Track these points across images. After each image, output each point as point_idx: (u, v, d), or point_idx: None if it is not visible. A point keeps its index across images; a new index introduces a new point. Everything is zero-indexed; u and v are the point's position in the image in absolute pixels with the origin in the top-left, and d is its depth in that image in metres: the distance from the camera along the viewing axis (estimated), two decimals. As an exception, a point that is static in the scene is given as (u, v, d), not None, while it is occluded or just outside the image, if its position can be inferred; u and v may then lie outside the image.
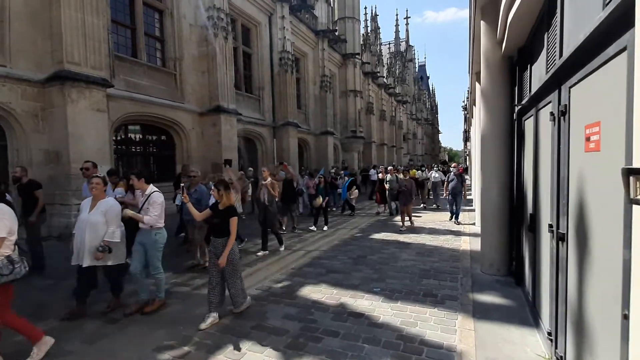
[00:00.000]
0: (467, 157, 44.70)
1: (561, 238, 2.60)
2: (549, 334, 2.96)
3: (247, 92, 16.27)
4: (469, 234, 7.94)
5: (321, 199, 8.64)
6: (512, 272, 5.10)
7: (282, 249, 7.01)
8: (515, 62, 4.88)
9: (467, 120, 47.44)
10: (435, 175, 13.83)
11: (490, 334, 3.46)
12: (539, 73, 3.61)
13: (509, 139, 5.08)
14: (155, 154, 12.10)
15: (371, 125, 29.24)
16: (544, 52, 3.36)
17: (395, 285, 4.83)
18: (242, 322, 3.82)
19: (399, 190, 9.07)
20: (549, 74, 2.97)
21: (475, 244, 6.96)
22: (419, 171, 15.33)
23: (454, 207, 9.51)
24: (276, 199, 7.23)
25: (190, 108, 12.59)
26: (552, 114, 2.87)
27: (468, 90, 24.50)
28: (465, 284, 4.79)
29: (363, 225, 9.58)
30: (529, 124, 4.21)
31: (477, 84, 8.53)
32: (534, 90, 3.62)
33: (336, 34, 23.58)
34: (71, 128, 8.23)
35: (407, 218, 8.90)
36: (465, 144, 50.77)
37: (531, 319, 3.71)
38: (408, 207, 8.85)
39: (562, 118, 2.59)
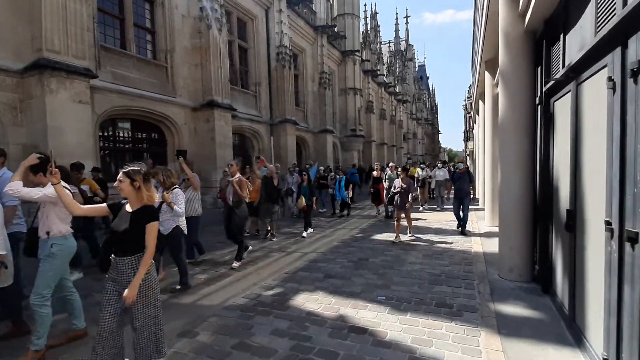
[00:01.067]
0: (468, 157, 44.06)
1: (633, 239, 1.95)
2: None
3: (243, 87, 15.64)
4: (480, 234, 7.30)
5: (304, 200, 7.32)
6: (535, 278, 4.46)
7: (235, 265, 5.37)
8: (540, 36, 4.25)
9: (468, 120, 46.81)
10: (439, 174, 11.94)
11: (523, 355, 2.81)
12: (579, 39, 2.98)
13: (531, 125, 4.45)
14: (147, 151, 11.45)
15: (371, 124, 28.60)
16: (589, 13, 2.73)
17: (403, 293, 4.17)
18: (223, 338, 3.17)
19: (393, 192, 7.23)
20: (602, 32, 2.33)
21: (488, 246, 6.31)
22: (419, 169, 13.67)
23: (461, 213, 7.68)
24: (246, 199, 5.72)
25: (183, 102, 11.95)
26: (611, 79, 2.23)
27: (471, 87, 23.86)
28: (483, 292, 4.14)
29: (363, 225, 8.92)
30: (561, 105, 3.57)
31: (486, 73, 7.91)
32: (573, 60, 2.98)
33: (335, 30, 22.95)
34: (50, 120, 7.58)
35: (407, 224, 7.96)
36: (466, 144, 50.18)
37: (570, 336, 3.05)
38: (405, 212, 7.07)
39: (634, 79, 1.95)
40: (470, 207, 11.21)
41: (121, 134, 10.72)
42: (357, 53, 24.01)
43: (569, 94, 3.25)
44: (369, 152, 28.47)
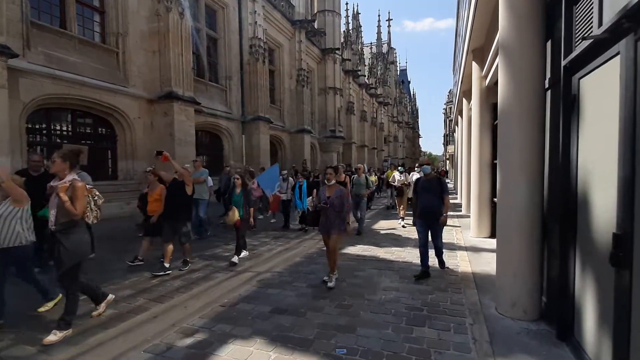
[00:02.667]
0: (448, 162, 43.83)
1: None
2: None
3: (211, 81, 14.23)
4: (466, 248, 6.23)
5: (237, 212, 5.15)
6: (543, 314, 3.38)
7: (52, 338, 2.96)
8: (555, -2, 3.18)
9: (448, 124, 46.69)
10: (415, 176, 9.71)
11: None
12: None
13: (540, 116, 3.37)
14: (90, 148, 9.89)
15: (351, 126, 27.62)
16: None
17: (372, 342, 2.98)
18: None
19: (316, 206, 4.68)
20: None
21: (477, 263, 5.24)
22: (397, 172, 10.56)
23: (437, 241, 4.79)
24: (91, 219, 3.32)
25: (136, 93, 10.47)
26: None
27: (451, 91, 23.14)
28: (480, 339, 3.00)
29: None
30: (594, 82, 2.49)
31: (474, 65, 6.91)
32: (631, 2, 1.89)
33: (315, 26, 21.85)
34: (-55, 105, 6.06)
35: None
36: (445, 148, 50.11)
37: None
38: (331, 242, 4.42)
39: None
40: (453, 213, 10.08)
41: (59, 128, 9.16)
42: (337, 51, 22.96)
43: (612, 61, 2.17)
44: (349, 153, 27.48)
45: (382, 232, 7.88)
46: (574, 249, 2.80)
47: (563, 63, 2.90)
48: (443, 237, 4.93)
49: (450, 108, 36.08)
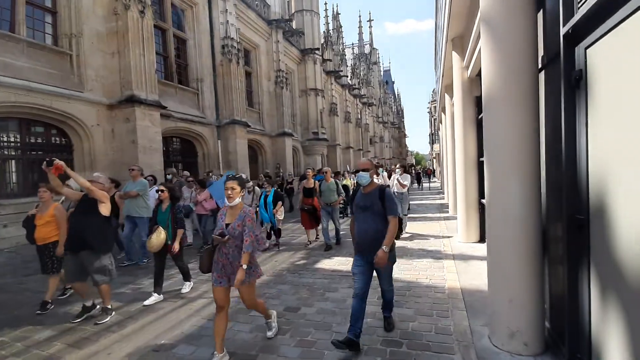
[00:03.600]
0: (435, 160, 43.71)
1: None
2: None
3: (181, 84, 13.40)
4: (454, 256, 5.60)
5: (163, 234, 3.99)
6: (548, 345, 2.74)
7: None
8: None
9: (434, 123, 46.67)
10: (404, 180, 7.45)
11: None
12: None
13: (533, 102, 2.75)
14: (45, 159, 8.94)
15: (335, 127, 27.01)
16: None
17: (334, 399, 2.29)
18: None
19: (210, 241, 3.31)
20: None
21: (467, 276, 4.59)
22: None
23: (385, 287, 3.28)
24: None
25: (94, 98, 9.59)
26: None
27: (434, 90, 22.80)
28: (472, 389, 2.34)
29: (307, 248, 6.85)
30: (605, 49, 1.86)
31: (454, 55, 6.35)
32: None
33: (293, 26, 21.23)
34: None
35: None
36: (432, 147, 50.08)
37: None
38: (243, 292, 2.90)
39: None
40: (440, 215, 9.50)
41: (4, 138, 8.22)
42: (317, 52, 22.36)
43: (635, 17, 1.54)
44: (334, 156, 26.86)
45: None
46: (588, 264, 2.16)
47: (562, 31, 2.26)
48: (434, 244, 4.29)
49: (435, 107, 35.93)
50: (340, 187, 6.48)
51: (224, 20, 14.32)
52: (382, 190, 3.04)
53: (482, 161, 5.84)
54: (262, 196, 6.55)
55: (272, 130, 18.67)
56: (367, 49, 42.80)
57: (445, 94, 9.99)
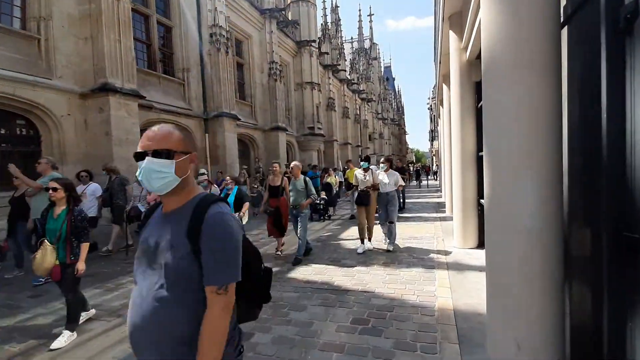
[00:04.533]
0: (434, 157, 42.82)
1: None
2: None
3: (166, 74, 12.59)
4: (447, 265, 4.81)
5: (50, 251, 2.95)
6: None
7: None
8: None
9: (434, 120, 45.69)
10: (384, 178, 5.82)
11: None
12: None
13: (555, 69, 1.95)
14: (10, 152, 8.20)
15: (332, 123, 26.16)
16: None
17: None
18: None
19: None
20: None
21: (462, 292, 3.81)
22: (359, 170, 6.16)
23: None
24: None
25: (64, 86, 8.80)
26: None
27: (435, 87, 21.77)
28: None
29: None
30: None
31: (451, 34, 5.51)
32: None
33: (288, 17, 20.33)
34: None
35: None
36: (431, 144, 49.17)
37: None
38: None
39: None
40: (437, 215, 8.82)
41: (-39, 128, 7.47)
42: (313, 44, 21.45)
43: None
44: (331, 152, 26.05)
45: (347, 244, 6.39)
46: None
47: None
48: (425, 251, 3.64)
49: (435, 104, 34.98)
50: (311, 186, 5.31)
51: (212, 7, 13.47)
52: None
53: (482, 156, 5.05)
54: (223, 196, 5.44)
55: (265, 124, 17.86)
56: (367, 44, 41.78)
57: (443, 85, 9.16)
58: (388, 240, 5.79)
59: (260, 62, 17.66)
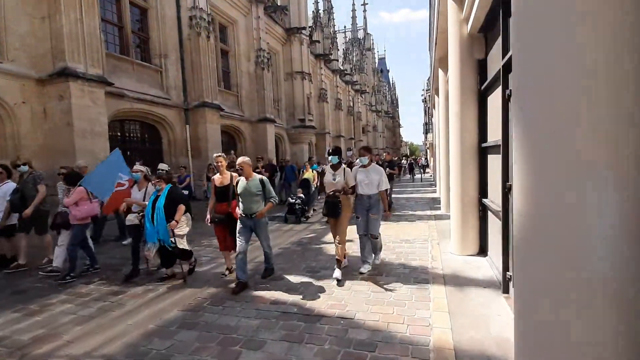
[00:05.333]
0: (428, 150, 42.06)
1: None
2: None
3: (142, 60, 11.55)
4: (444, 278, 4.00)
5: None
6: None
7: None
8: None
9: (428, 112, 44.81)
10: (364, 176, 4.18)
11: None
12: None
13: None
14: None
15: (324, 114, 25.20)
16: None
17: None
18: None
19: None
20: None
21: (464, 320, 2.96)
22: (326, 167, 4.59)
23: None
24: None
25: (16, 71, 7.80)
26: None
27: (430, 79, 20.70)
28: None
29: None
30: None
31: (450, 4, 4.62)
32: None
33: (277, 2, 19.19)
34: None
35: None
36: (425, 137, 48.41)
37: None
38: None
39: None
40: (431, 213, 8.01)
41: None
42: (304, 31, 20.36)
43: None
44: (323, 144, 25.08)
45: (330, 250, 5.32)
46: None
47: None
48: (413, 255, 2.78)
49: (430, 95, 34.06)
50: (269, 187, 4.00)
51: (191, -12, 12.37)
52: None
53: (485, 147, 4.17)
54: (151, 199, 4.12)
55: (253, 115, 16.86)
56: (360, 34, 40.55)
57: (439, 70, 8.29)
58: (366, 262, 4.16)
59: (246, 50, 16.59)
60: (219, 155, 4.32)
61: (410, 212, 8.77)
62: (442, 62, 7.76)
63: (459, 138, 4.55)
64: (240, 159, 4.00)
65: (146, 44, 11.95)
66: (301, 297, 3.63)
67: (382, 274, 4.15)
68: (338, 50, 29.78)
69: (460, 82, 4.46)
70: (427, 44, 16.32)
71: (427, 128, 42.75)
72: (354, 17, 38.78)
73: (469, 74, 4.44)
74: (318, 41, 24.15)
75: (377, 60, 56.38)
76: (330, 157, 4.18)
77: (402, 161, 27.24)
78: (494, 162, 3.93)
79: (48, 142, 8.25)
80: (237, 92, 16.27)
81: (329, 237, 5.81)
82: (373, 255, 4.40)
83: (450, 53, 4.67)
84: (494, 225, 3.99)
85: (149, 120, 11.66)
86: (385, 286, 3.79)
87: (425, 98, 48.81)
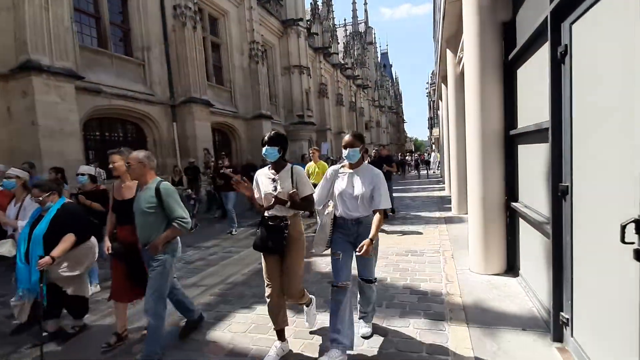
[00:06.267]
0: (434, 145, 40.85)
1: None
2: None
3: (124, 54, 10.67)
4: (465, 309, 3.01)
5: None
6: None
7: None
8: None
9: (432, 107, 43.57)
10: (348, 184, 2.49)
11: None
12: None
13: None
14: None
15: (325, 110, 24.20)
16: None
17: None
18: None
19: None
20: None
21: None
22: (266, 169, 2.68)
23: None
24: None
25: (-27, 65, 6.94)
26: None
27: (434, 72, 19.44)
28: None
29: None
30: None
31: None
32: None
33: (271, -8, 18.19)
34: None
35: None
36: (430, 131, 47.16)
37: None
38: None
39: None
40: (440, 215, 6.95)
41: None
42: (300, 23, 19.33)
43: None
44: (325, 142, 24.14)
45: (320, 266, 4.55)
46: None
47: None
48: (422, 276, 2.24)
49: (434, 90, 32.78)
50: (171, 202, 2.42)
51: (174, -25, 11.44)
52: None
53: (514, 136, 3.17)
54: (28, 222, 2.83)
55: (247, 112, 15.93)
56: (361, 28, 39.34)
57: (448, 52, 7.24)
58: (365, 318, 2.70)
59: (239, 43, 15.64)
60: (114, 153, 2.92)
61: (417, 214, 7.76)
62: (450, 42, 6.72)
63: (479, 125, 3.54)
64: (133, 154, 2.53)
65: (127, 36, 11.06)
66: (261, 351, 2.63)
67: (383, 305, 3.17)
68: (338, 43, 28.70)
69: (480, 53, 3.45)
70: (430, 36, 15.24)
71: (433, 122, 41.51)
72: (354, 10, 37.58)
73: (491, 43, 3.43)
74: (316, 34, 23.12)
75: (379, 55, 55.09)
76: (265, 150, 2.37)
77: (407, 157, 26.07)
78: (531, 154, 2.94)
79: (14, 144, 7.39)
80: (230, 88, 15.33)
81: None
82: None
83: (466, 19, 3.65)
84: (531, 239, 3.00)
85: (132, 119, 10.79)
86: (385, 325, 2.81)
87: (429, 92, 47.52)
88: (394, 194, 11.32)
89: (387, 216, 6.45)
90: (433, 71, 33.79)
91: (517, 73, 3.27)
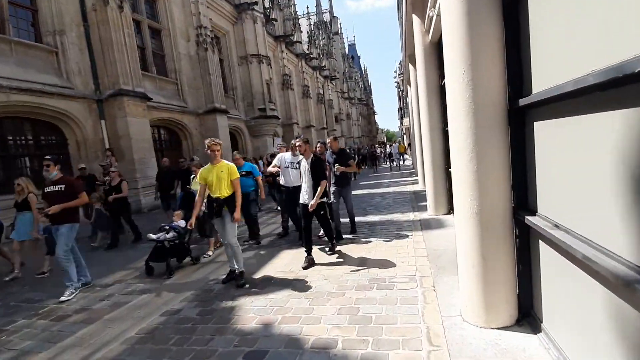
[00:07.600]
0: (404, 136, 40.28)
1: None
2: None
3: (36, 40, 8.65)
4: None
5: None
6: None
7: None
8: None
9: (402, 97, 42.92)
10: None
11: None
12: None
13: None
14: None
15: (290, 103, 22.64)
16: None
17: None
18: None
19: None
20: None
21: None
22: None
23: None
24: None
25: None
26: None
27: (401, 62, 18.22)
28: None
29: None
30: None
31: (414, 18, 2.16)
32: None
33: (220, -27, 16.29)
34: None
35: None
36: (401, 122, 46.66)
37: None
38: None
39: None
40: (414, 217, 5.73)
41: None
42: (256, 7, 17.59)
43: None
44: (291, 136, 22.54)
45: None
46: None
47: None
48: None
49: (402, 80, 31.88)
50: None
51: (90, -58, 9.44)
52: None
53: (525, 107, 1.88)
54: None
55: (199, 106, 14.11)
56: (326, 17, 37.82)
57: (414, 17, 5.95)
58: None
59: (184, 28, 13.73)
60: None
61: (387, 217, 6.46)
62: (417, 4, 5.41)
63: (467, 95, 2.22)
64: None
65: (34, 18, 9.01)
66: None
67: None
68: (302, 32, 27.09)
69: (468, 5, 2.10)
70: (395, 32, 14.05)
71: (403, 112, 40.90)
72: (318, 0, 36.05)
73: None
74: (275, 20, 21.41)
75: (346, 46, 53.84)
76: None
77: (378, 150, 24.99)
78: (564, 135, 1.63)
79: None
80: (176, 79, 13.45)
81: (271, 268, 3.37)
82: None
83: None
84: (560, 273, 1.72)
85: (45, 117, 8.80)
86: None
87: (398, 83, 46.91)
88: (361, 191, 10.02)
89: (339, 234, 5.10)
90: (400, 61, 32.92)
91: (526, 15, 1.94)
